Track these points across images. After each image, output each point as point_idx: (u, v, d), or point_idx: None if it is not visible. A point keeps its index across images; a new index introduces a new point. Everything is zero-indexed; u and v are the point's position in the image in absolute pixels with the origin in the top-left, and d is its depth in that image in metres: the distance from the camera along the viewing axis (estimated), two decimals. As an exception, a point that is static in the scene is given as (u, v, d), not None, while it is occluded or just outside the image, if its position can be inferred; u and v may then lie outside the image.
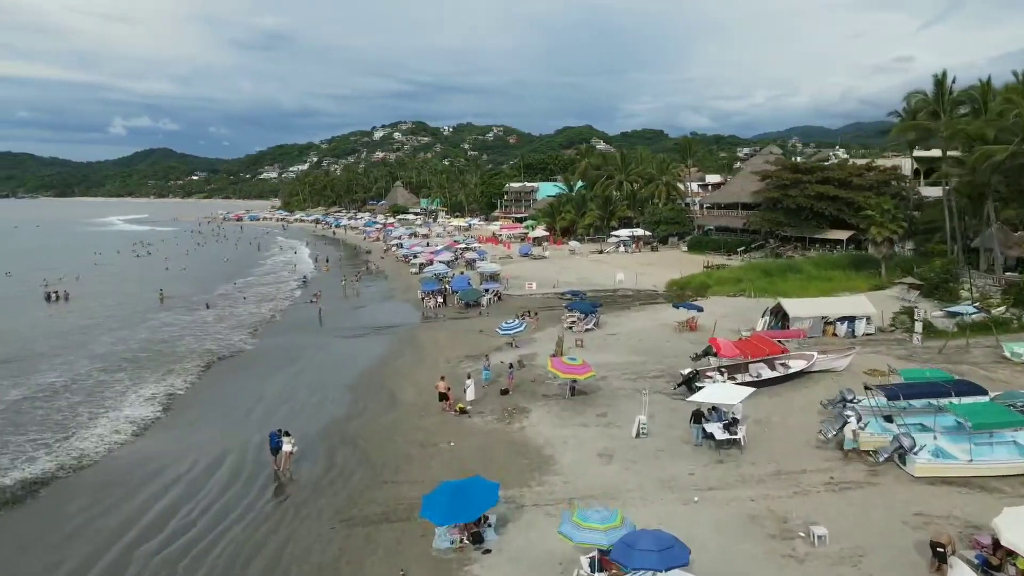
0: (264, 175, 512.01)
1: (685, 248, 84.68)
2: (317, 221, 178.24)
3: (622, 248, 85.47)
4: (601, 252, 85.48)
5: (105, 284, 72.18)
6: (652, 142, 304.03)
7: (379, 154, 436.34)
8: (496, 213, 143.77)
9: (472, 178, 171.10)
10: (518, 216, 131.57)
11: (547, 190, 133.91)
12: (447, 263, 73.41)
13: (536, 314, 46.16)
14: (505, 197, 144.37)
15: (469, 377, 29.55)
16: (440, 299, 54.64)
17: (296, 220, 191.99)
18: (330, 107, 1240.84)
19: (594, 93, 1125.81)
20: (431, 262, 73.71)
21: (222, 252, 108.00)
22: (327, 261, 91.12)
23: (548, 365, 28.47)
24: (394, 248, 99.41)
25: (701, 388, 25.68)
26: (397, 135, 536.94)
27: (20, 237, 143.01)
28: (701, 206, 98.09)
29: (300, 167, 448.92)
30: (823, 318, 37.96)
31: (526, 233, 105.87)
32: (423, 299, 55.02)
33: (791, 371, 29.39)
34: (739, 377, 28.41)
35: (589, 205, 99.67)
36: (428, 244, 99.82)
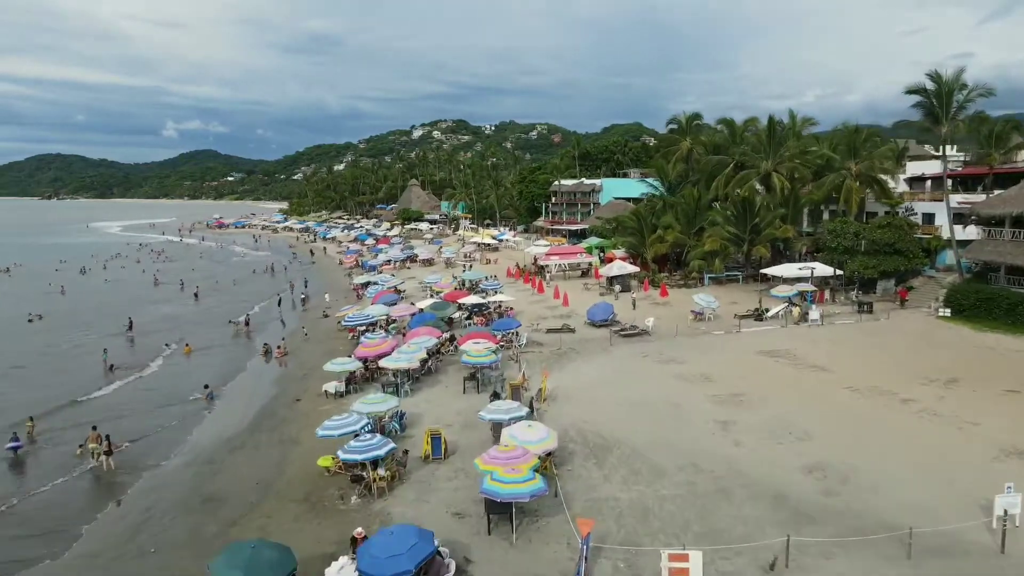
0: (297, 176, 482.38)
1: (942, 309, 39.04)
2: (306, 230, 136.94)
3: (812, 316, 39.86)
4: (760, 317, 40.55)
5: None
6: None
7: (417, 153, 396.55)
8: (540, 222, 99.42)
9: (507, 175, 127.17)
10: (572, 229, 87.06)
11: (615, 190, 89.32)
12: (407, 384, 29.43)
13: None
14: (553, 201, 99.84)
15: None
16: None
17: (284, 228, 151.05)
18: (377, 109, 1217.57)
19: (640, 93, 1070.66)
20: (381, 374, 29.85)
21: (94, 292, 66.98)
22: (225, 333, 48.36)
23: None
24: (359, 291, 56.19)
25: None
26: (436, 133, 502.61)
27: None
28: (925, 219, 51.52)
29: (337, 167, 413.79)
30: None
31: (590, 263, 61.52)
32: None
33: None
34: None
35: (711, 216, 54.53)
36: (424, 282, 56.94)
